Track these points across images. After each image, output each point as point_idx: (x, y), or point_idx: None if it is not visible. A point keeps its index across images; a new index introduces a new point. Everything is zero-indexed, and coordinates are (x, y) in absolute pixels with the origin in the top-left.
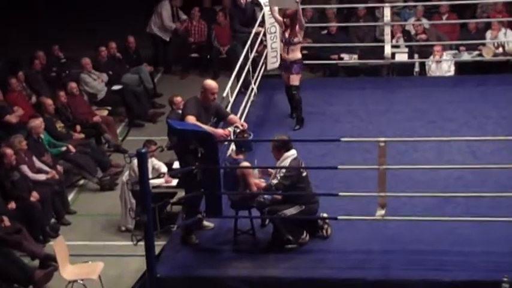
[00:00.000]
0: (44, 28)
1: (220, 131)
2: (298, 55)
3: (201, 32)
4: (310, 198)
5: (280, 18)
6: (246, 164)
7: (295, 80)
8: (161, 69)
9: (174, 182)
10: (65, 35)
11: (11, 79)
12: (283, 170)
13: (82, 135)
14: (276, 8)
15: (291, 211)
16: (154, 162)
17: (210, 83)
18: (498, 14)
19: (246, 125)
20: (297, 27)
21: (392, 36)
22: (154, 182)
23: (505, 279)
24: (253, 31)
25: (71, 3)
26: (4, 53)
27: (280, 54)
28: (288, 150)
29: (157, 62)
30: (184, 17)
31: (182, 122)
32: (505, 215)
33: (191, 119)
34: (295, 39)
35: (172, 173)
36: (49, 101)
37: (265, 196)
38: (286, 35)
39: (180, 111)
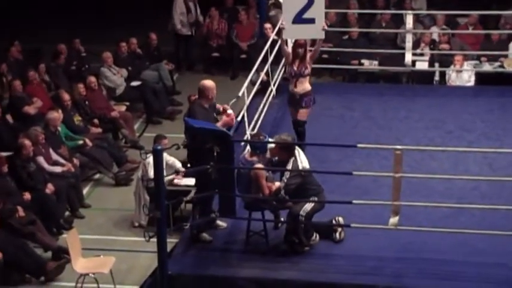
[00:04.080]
0: (66, 21)
1: (225, 118)
2: (308, 86)
3: (221, 32)
4: (317, 188)
5: (289, 50)
6: (259, 166)
7: (304, 115)
8: (182, 66)
9: (187, 181)
10: (87, 29)
11: (30, 71)
12: (288, 172)
13: (99, 130)
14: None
15: (306, 208)
16: (167, 158)
17: (209, 82)
18: None
19: (227, 107)
20: (308, 57)
21: (418, 45)
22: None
23: None
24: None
25: None
26: (26, 46)
27: (288, 88)
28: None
29: (178, 59)
30: (201, 18)
31: (200, 121)
32: None
33: None
34: (306, 71)
35: (187, 171)
36: (66, 96)
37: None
38: (295, 67)
39: None
